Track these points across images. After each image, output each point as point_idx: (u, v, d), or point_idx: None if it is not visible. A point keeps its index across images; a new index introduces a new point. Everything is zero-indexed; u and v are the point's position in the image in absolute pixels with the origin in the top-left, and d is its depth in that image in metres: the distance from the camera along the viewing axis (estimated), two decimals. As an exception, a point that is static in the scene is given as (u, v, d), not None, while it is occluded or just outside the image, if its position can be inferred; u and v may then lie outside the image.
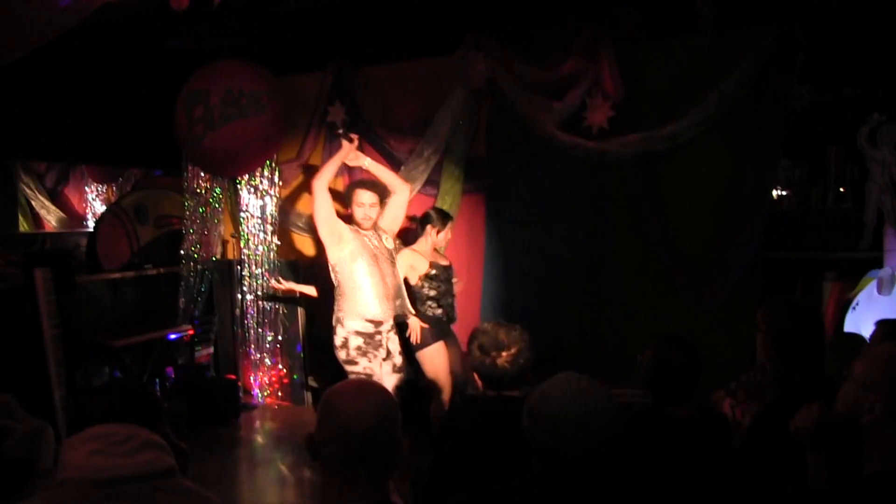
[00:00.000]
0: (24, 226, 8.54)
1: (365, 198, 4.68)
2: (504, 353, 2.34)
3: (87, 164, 8.10)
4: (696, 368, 2.36)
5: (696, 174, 4.82)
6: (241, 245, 6.12)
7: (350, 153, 4.78)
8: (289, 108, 5.69)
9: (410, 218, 5.17)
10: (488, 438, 2.25)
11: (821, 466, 1.70)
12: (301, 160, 5.97)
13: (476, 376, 2.49)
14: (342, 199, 5.41)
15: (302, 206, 6.08)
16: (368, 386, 1.62)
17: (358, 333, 4.37)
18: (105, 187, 8.88)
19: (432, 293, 4.65)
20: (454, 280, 4.97)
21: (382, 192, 4.93)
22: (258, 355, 6.14)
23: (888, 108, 4.69)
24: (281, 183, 6.02)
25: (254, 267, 6.07)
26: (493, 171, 5.49)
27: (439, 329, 4.62)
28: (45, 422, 3.00)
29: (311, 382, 6.06)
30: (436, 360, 4.53)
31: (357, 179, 5.32)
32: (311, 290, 5.27)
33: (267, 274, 5.91)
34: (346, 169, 5.91)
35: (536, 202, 5.53)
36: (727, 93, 4.58)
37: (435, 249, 4.92)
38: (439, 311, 4.66)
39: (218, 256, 6.30)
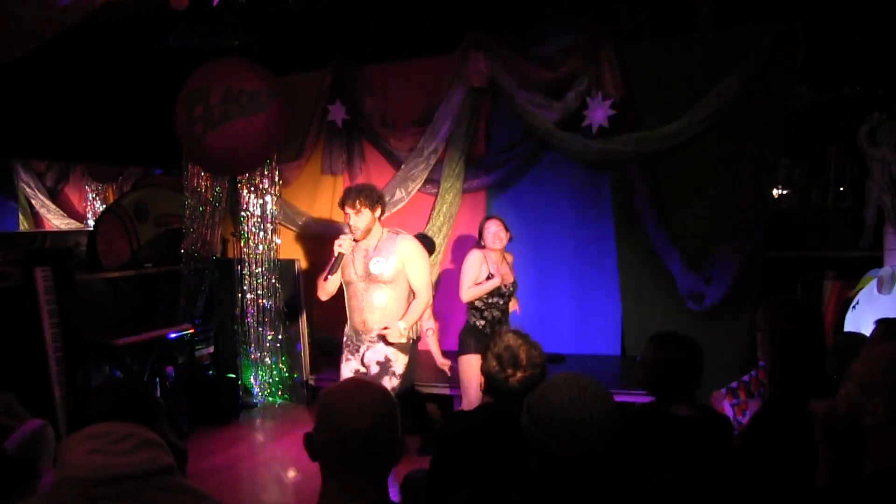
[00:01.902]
0: (24, 225, 8.54)
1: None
2: (519, 374, 2.31)
3: (88, 163, 8.11)
4: (696, 366, 2.35)
5: (697, 173, 4.83)
6: (242, 244, 6.12)
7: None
8: (289, 107, 5.69)
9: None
10: (486, 444, 2.24)
11: (827, 462, 1.70)
12: (301, 159, 5.97)
13: (482, 380, 2.46)
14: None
15: (302, 204, 6.08)
16: (366, 386, 1.59)
17: None
18: (105, 186, 8.88)
19: (478, 303, 4.40)
20: (507, 295, 4.53)
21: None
22: (258, 354, 6.15)
23: (888, 106, 4.69)
24: (281, 182, 6.02)
25: (254, 266, 6.08)
26: (494, 170, 5.50)
27: (480, 341, 4.26)
28: (45, 421, 3.01)
29: (312, 381, 6.06)
30: (470, 371, 4.36)
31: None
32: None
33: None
34: (346, 168, 5.92)
35: (536, 201, 5.54)
36: (727, 92, 4.58)
37: (506, 262, 4.55)
38: (482, 322, 4.41)
39: (218, 255, 6.30)
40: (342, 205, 3.78)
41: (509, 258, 4.61)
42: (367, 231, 3.78)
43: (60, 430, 4.57)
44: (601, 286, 5.44)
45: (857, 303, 4.50)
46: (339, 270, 3.84)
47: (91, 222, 8.13)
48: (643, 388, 2.43)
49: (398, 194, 5.51)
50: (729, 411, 3.39)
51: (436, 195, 5.59)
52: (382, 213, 3.85)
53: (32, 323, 4.81)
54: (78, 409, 1.74)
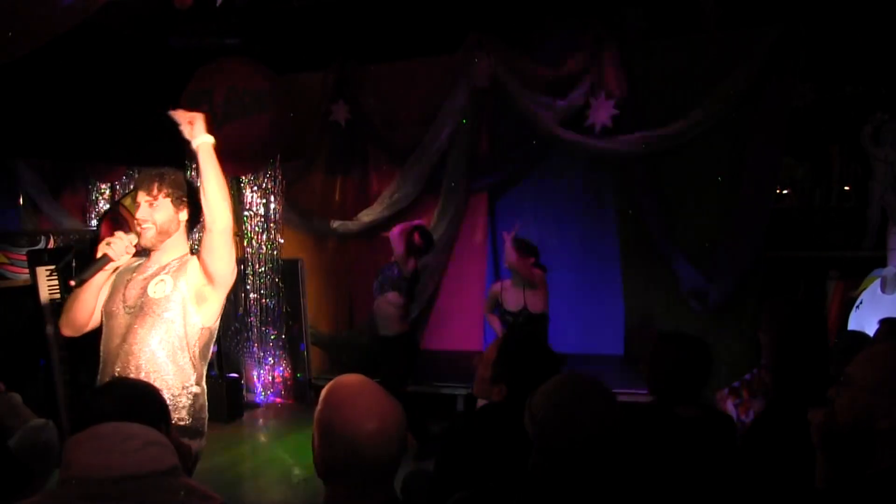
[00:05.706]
0: (26, 224, 8.55)
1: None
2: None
3: (91, 163, 8.10)
4: (703, 367, 2.32)
5: (699, 172, 4.82)
6: (245, 244, 6.12)
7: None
8: (292, 107, 5.69)
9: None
10: (491, 444, 2.23)
11: (826, 465, 1.69)
12: (305, 159, 5.97)
13: (504, 385, 2.44)
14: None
15: (305, 204, 6.08)
16: (371, 397, 1.50)
17: None
18: (108, 186, 8.89)
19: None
20: None
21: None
22: (261, 354, 6.15)
23: (890, 106, 4.68)
24: (285, 182, 6.02)
25: (257, 265, 6.09)
26: (496, 170, 5.49)
27: None
28: (49, 420, 3.01)
29: (315, 381, 6.06)
30: None
31: None
32: None
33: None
34: (349, 168, 5.90)
35: (539, 200, 5.54)
36: (730, 91, 4.58)
37: None
38: None
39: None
40: (135, 188, 2.59)
41: None
42: (163, 236, 2.49)
43: (64, 429, 4.57)
44: (604, 286, 5.43)
45: (861, 302, 4.50)
46: (105, 298, 2.58)
47: (93, 222, 8.13)
48: (648, 388, 2.41)
49: (401, 194, 5.51)
50: (732, 410, 3.38)
51: (439, 195, 5.59)
52: (194, 221, 2.56)
53: (35, 322, 4.82)
54: (82, 409, 1.73)
